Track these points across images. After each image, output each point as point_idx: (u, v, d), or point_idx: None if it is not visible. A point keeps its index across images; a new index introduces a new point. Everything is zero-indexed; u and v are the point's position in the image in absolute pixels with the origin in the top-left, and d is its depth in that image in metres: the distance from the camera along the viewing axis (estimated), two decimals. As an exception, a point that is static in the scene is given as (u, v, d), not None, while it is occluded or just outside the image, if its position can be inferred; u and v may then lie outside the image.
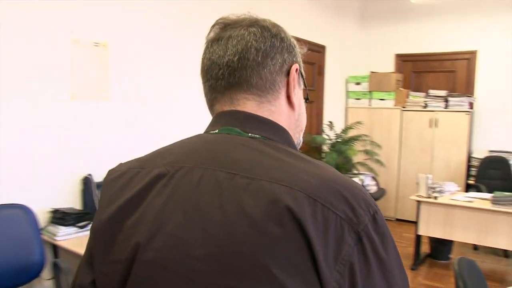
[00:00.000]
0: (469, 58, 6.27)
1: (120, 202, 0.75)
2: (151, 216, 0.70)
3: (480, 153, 5.98)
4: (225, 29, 0.82)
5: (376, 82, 6.51)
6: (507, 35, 5.97)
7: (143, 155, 0.83)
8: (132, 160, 0.83)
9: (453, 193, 4.61)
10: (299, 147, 0.87)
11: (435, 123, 6.07)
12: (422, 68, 6.63)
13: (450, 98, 6.01)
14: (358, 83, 6.67)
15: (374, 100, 6.56)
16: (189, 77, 4.01)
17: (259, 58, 0.79)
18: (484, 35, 6.12)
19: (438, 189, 4.44)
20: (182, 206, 0.69)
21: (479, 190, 5.35)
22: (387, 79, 6.40)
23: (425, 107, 6.19)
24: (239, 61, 0.79)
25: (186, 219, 0.68)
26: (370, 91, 6.58)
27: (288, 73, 0.82)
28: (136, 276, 0.69)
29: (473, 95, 6.20)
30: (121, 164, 0.84)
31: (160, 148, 0.82)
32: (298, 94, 0.85)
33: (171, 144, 0.81)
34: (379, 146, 5.71)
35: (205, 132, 0.82)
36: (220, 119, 0.81)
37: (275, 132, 0.79)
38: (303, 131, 0.89)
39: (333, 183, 0.67)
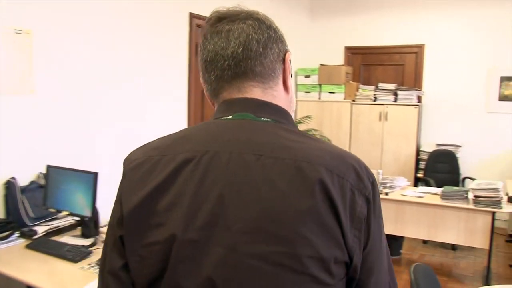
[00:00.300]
0: (417, 51, 6.26)
1: (149, 188, 0.80)
2: (187, 198, 0.77)
3: (428, 146, 5.98)
4: (222, 22, 0.89)
5: (326, 75, 6.39)
6: (453, 29, 5.99)
7: (151, 142, 0.87)
8: (144, 148, 0.87)
9: (403, 188, 4.54)
10: None
11: (384, 116, 6.02)
12: (371, 61, 6.58)
13: (399, 92, 5.98)
14: (307, 76, 6.53)
15: (324, 93, 6.45)
16: (126, 69, 3.69)
17: (261, 49, 0.88)
18: (431, 28, 6.12)
19: (389, 184, 4.35)
20: (217, 187, 0.77)
21: (428, 184, 5.35)
22: (337, 72, 6.30)
23: (374, 100, 6.13)
24: (243, 52, 0.86)
25: (223, 199, 0.76)
26: (319, 84, 6.45)
27: (283, 61, 0.93)
28: (179, 254, 0.76)
29: (421, 88, 6.20)
30: (134, 152, 0.88)
31: (171, 135, 0.87)
32: (290, 79, 0.96)
33: (183, 131, 0.88)
34: (329, 140, 5.58)
35: (216, 118, 0.88)
36: (232, 106, 0.88)
37: (281, 115, 0.89)
38: (291, 110, 0.97)
39: (343, 157, 0.81)
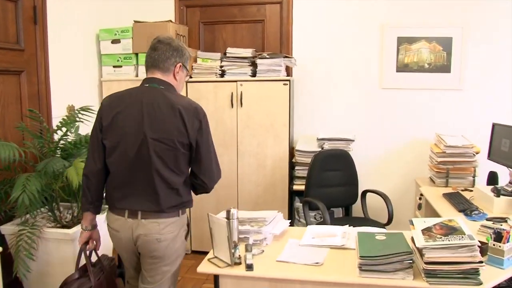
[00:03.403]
0: (281, 1, 4.14)
1: (116, 110, 1.99)
2: (127, 118, 1.98)
3: (306, 143, 3.92)
4: (157, 43, 2.07)
5: (145, 39, 3.93)
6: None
7: (116, 93, 2.08)
8: (111, 96, 2.07)
9: (279, 236, 2.34)
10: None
11: (239, 99, 3.80)
12: (216, 17, 4.30)
13: (259, 61, 3.79)
14: (116, 41, 4.02)
15: (143, 66, 3.98)
16: None
17: (166, 58, 2.05)
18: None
19: (252, 241, 2.13)
20: (140, 113, 1.97)
21: (313, 208, 3.26)
22: (162, 33, 3.87)
23: (222, 75, 3.87)
24: (158, 58, 2.05)
25: (143, 116, 1.96)
26: (135, 54, 4.00)
27: (175, 66, 2.08)
28: (126, 138, 1.99)
29: (291, 55, 4.09)
30: (107, 97, 2.09)
31: (124, 90, 2.07)
32: (179, 74, 2.11)
33: (130, 89, 2.07)
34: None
35: (142, 85, 2.06)
36: (148, 80, 2.05)
37: (168, 86, 2.05)
38: (180, 89, 2.14)
39: (191, 103, 2.04)
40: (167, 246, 2.03)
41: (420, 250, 1.78)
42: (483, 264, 1.73)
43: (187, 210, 2.16)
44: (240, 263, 2.04)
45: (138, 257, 2.14)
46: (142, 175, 1.98)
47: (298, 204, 3.88)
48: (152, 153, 1.95)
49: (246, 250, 2.05)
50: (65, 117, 2.90)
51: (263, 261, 2.08)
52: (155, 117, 1.95)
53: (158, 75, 2.05)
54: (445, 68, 3.94)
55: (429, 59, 3.96)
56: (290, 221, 2.56)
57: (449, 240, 1.75)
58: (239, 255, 2.05)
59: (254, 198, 3.88)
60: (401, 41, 3.98)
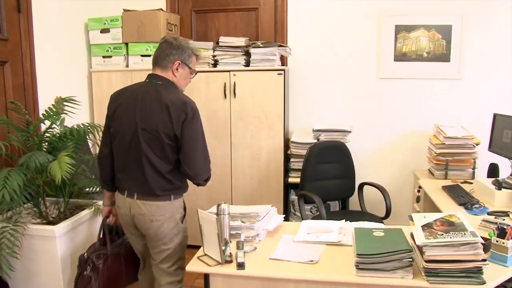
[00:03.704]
0: (275, -12, 4.01)
1: (118, 102, 2.23)
2: (127, 108, 2.19)
3: (301, 135, 3.82)
4: (161, 42, 2.25)
5: (135, 28, 3.83)
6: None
7: (120, 89, 2.30)
8: (117, 91, 2.30)
9: (273, 232, 2.24)
10: (182, 92, 2.28)
11: (232, 90, 3.68)
12: (208, 5, 4.17)
13: (253, 50, 3.67)
14: (105, 30, 3.89)
15: (134, 57, 3.90)
16: None
17: (165, 55, 2.21)
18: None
19: (244, 238, 2.03)
20: (136, 107, 2.16)
21: (308, 201, 3.17)
22: (153, 22, 3.78)
23: (215, 65, 3.75)
24: (159, 55, 2.22)
25: (136, 110, 2.16)
26: (125, 43, 3.88)
27: (174, 63, 2.21)
28: (124, 126, 2.20)
29: (286, 43, 3.97)
30: (117, 90, 2.31)
31: (128, 86, 2.29)
32: (179, 71, 2.23)
33: (132, 85, 2.29)
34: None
35: (145, 80, 2.25)
36: (150, 76, 2.24)
37: (166, 81, 2.20)
38: (181, 85, 2.28)
39: (180, 98, 2.15)
40: (159, 226, 2.20)
41: (420, 248, 1.69)
42: (487, 262, 1.63)
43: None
44: (231, 261, 1.94)
45: (137, 234, 2.34)
46: (135, 160, 2.18)
47: (293, 197, 3.79)
48: (142, 141, 2.14)
49: (238, 248, 1.95)
50: (47, 109, 2.77)
51: (255, 259, 1.98)
52: (145, 109, 2.14)
53: (158, 71, 2.23)
54: (444, 57, 3.83)
55: (428, 47, 3.85)
56: (284, 216, 2.45)
57: (450, 237, 1.66)
58: (230, 253, 1.95)
59: (249, 191, 3.78)
60: (399, 29, 3.87)
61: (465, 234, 1.67)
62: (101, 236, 2.51)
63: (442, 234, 1.69)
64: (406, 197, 4.00)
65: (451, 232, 1.69)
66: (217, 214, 2.10)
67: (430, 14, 3.78)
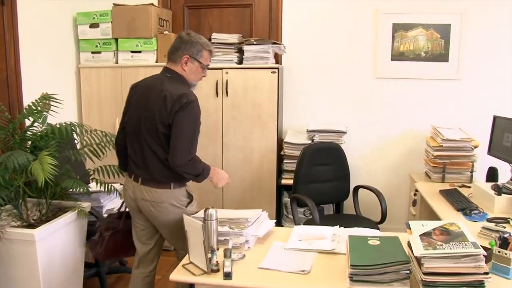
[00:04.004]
0: (270, -16, 3.89)
1: (134, 92, 2.40)
2: (138, 98, 2.35)
3: (295, 135, 3.71)
4: (176, 37, 2.35)
5: (125, 23, 3.71)
6: None
7: (139, 80, 2.45)
8: (138, 81, 2.44)
9: (264, 238, 2.14)
10: (194, 86, 2.40)
11: (224, 88, 3.57)
12: (201, 1, 4.05)
13: (246, 47, 3.56)
14: (94, 25, 3.77)
15: (123, 53, 3.78)
16: None
17: (175, 50, 2.31)
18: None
19: (232, 245, 1.92)
20: (143, 97, 2.31)
21: (301, 204, 3.07)
22: (143, 17, 3.67)
23: (206, 62, 3.63)
24: (170, 50, 2.34)
25: (143, 100, 2.30)
26: (115, 39, 3.76)
27: (182, 57, 2.29)
28: (134, 113, 2.36)
29: (280, 41, 3.86)
30: (137, 82, 2.45)
31: (146, 78, 2.44)
32: (188, 66, 2.30)
33: (149, 77, 2.42)
34: (107, 135, 2.94)
35: (160, 73, 2.38)
36: (163, 69, 2.36)
37: (174, 74, 2.31)
38: (191, 80, 2.35)
39: (178, 90, 2.21)
40: (160, 212, 2.29)
41: (418, 259, 1.58)
42: (489, 275, 1.53)
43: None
44: (218, 270, 1.83)
45: (141, 221, 2.44)
46: (139, 146, 2.30)
47: (286, 199, 3.69)
48: (144, 129, 2.26)
49: (225, 256, 1.84)
50: (27, 106, 2.65)
51: (243, 268, 1.87)
52: (148, 99, 2.26)
53: (170, 65, 2.33)
54: (442, 56, 3.73)
55: (426, 47, 3.75)
56: (275, 220, 2.35)
57: (450, 248, 1.55)
58: (217, 261, 1.84)
59: (240, 193, 3.67)
60: (397, 28, 3.77)
61: (466, 245, 1.56)
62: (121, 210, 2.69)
63: (441, 245, 1.59)
64: (402, 201, 3.90)
65: (451, 243, 1.59)
66: (204, 219, 1.99)
67: (428, 12, 3.68)
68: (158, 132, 2.21)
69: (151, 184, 2.28)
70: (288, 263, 1.87)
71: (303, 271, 1.80)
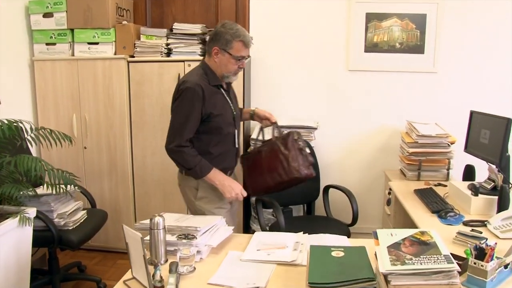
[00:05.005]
0: (237, -29, 3.66)
1: None
2: None
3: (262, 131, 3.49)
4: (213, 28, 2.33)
5: (81, 12, 3.44)
6: None
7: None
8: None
9: (220, 247, 1.92)
10: (226, 78, 2.31)
11: (187, 83, 3.33)
12: (164, -11, 3.80)
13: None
14: (48, 15, 3.50)
15: (80, 44, 3.51)
16: None
17: (208, 42, 2.28)
18: None
19: (180, 256, 1.72)
20: None
21: (268, 206, 2.87)
22: (100, 6, 3.41)
23: (168, 54, 3.40)
24: (207, 41, 2.30)
25: None
26: (71, 30, 3.49)
27: (212, 49, 2.25)
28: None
29: (248, 31, 3.63)
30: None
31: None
32: (218, 57, 2.24)
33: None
34: (65, 138, 2.67)
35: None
36: (200, 62, 2.39)
37: (205, 66, 2.30)
38: (223, 71, 2.28)
39: (184, 77, 2.30)
40: (183, 192, 2.46)
41: (385, 276, 1.39)
42: (464, 294, 1.34)
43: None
44: (162, 287, 1.61)
45: None
46: None
47: (254, 199, 3.47)
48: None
49: (170, 271, 1.62)
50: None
51: (191, 283, 1.66)
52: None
53: (206, 56, 2.34)
54: (418, 48, 3.56)
55: (401, 38, 3.57)
56: (233, 227, 2.13)
57: (421, 264, 1.36)
58: (161, 277, 1.62)
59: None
60: (370, 17, 3.58)
61: (438, 259, 1.37)
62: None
63: (411, 259, 1.39)
64: (376, 199, 3.73)
65: (421, 256, 1.40)
66: (151, 228, 1.77)
67: (403, 1, 3.51)
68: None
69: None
70: (242, 278, 1.66)
71: (257, 287, 1.60)
